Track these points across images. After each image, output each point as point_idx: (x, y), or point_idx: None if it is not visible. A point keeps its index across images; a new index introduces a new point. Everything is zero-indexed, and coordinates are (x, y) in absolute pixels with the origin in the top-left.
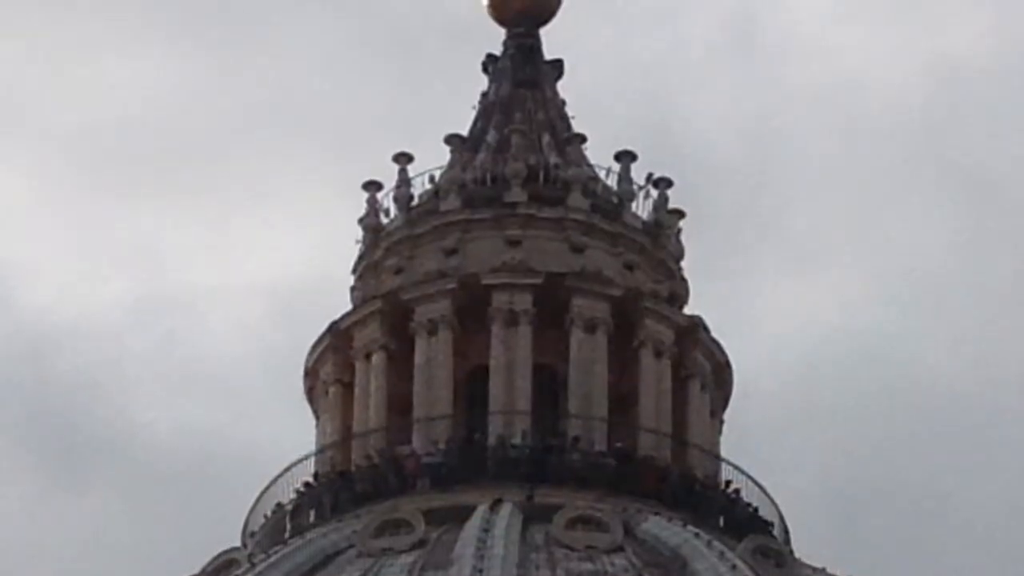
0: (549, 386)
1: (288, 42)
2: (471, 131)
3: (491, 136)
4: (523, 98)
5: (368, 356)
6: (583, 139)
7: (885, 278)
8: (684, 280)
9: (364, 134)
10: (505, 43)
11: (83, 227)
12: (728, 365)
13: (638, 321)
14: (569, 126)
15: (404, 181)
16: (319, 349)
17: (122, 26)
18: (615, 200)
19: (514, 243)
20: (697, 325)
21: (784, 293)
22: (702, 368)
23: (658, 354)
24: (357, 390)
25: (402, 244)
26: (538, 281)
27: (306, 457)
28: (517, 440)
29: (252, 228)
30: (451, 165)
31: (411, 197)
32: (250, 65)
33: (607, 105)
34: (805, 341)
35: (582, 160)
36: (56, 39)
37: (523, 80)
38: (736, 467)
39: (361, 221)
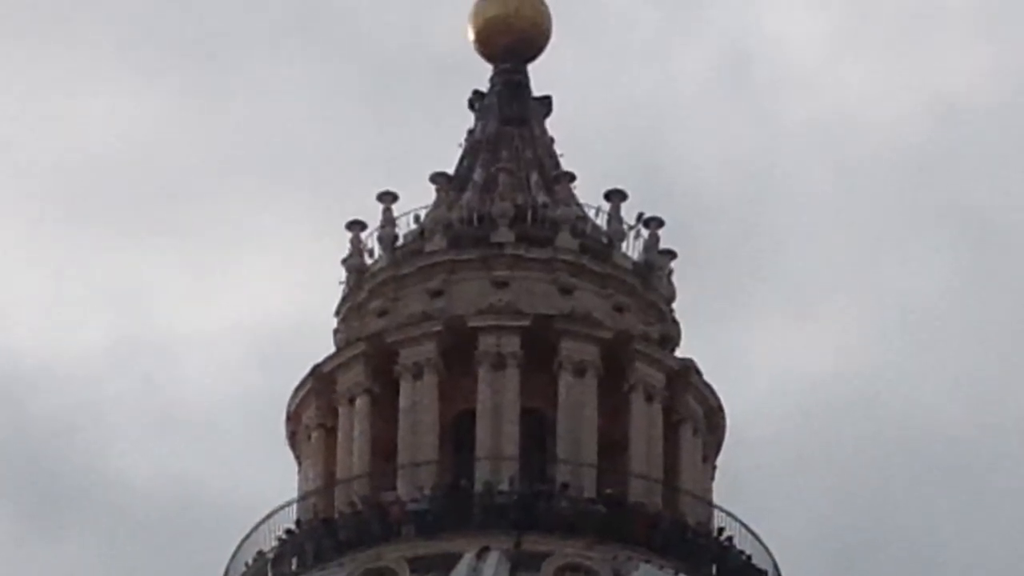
0: (537, 431)
1: (270, 79)
2: (457, 169)
3: (478, 175)
4: (510, 136)
5: (352, 400)
6: (572, 177)
7: (881, 320)
8: (676, 322)
9: (348, 173)
10: (492, 79)
11: (60, 267)
12: (721, 409)
13: (628, 364)
14: (558, 164)
15: (389, 221)
16: (301, 393)
17: (100, 63)
18: (605, 240)
19: (501, 284)
20: (689, 368)
21: (778, 336)
22: (694, 413)
23: (649, 398)
24: (340, 435)
25: (386, 285)
26: (526, 323)
27: (288, 504)
28: (504, 486)
29: (232, 269)
30: (437, 204)
31: (396, 237)
32: (231, 103)
33: (597, 143)
34: (800, 385)
35: (571, 199)
36: (33, 75)
37: (510, 117)
38: (729, 514)
39: (345, 261)
